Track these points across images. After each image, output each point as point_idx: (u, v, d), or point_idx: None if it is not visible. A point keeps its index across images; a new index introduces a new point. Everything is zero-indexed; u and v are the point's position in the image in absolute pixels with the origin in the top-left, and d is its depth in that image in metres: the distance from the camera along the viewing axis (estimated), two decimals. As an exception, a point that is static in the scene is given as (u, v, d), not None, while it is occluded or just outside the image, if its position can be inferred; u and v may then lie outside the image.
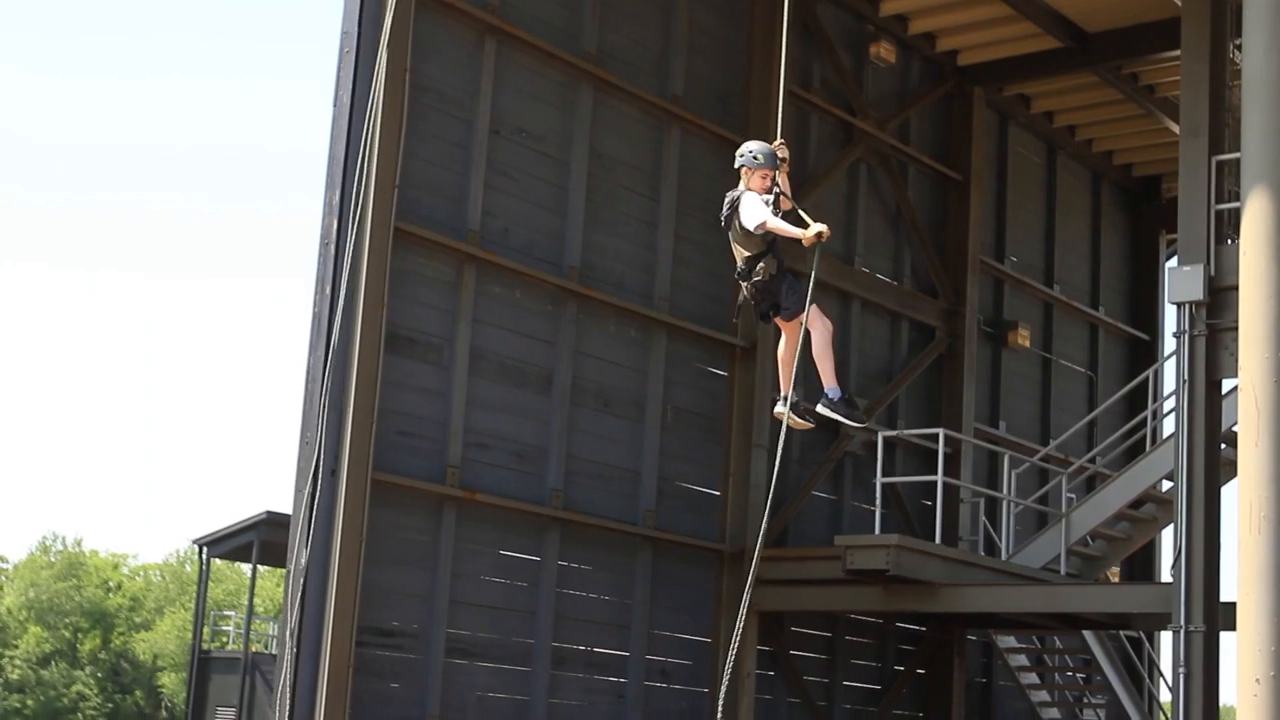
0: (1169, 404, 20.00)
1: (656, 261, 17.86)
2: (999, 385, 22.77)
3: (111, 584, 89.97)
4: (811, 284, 9.46)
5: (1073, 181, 24.68)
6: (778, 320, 9.83)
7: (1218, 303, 14.97)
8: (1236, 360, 10.47)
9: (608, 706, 17.03)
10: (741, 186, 9.71)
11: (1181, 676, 14.97)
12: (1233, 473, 10.21)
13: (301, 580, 14.18)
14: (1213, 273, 15.06)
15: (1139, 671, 22.97)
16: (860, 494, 20.01)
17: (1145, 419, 21.51)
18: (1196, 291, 15.05)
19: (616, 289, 17.37)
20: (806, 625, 19.29)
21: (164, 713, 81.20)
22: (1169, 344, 22.52)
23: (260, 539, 35.70)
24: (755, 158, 9.67)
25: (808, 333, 9.64)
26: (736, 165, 9.76)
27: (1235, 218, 13.38)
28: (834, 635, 19.87)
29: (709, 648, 17.92)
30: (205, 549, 38.79)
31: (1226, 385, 15.28)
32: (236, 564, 71.27)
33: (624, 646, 17.18)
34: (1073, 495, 20.71)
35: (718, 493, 18.16)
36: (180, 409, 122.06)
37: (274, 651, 27.67)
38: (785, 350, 9.87)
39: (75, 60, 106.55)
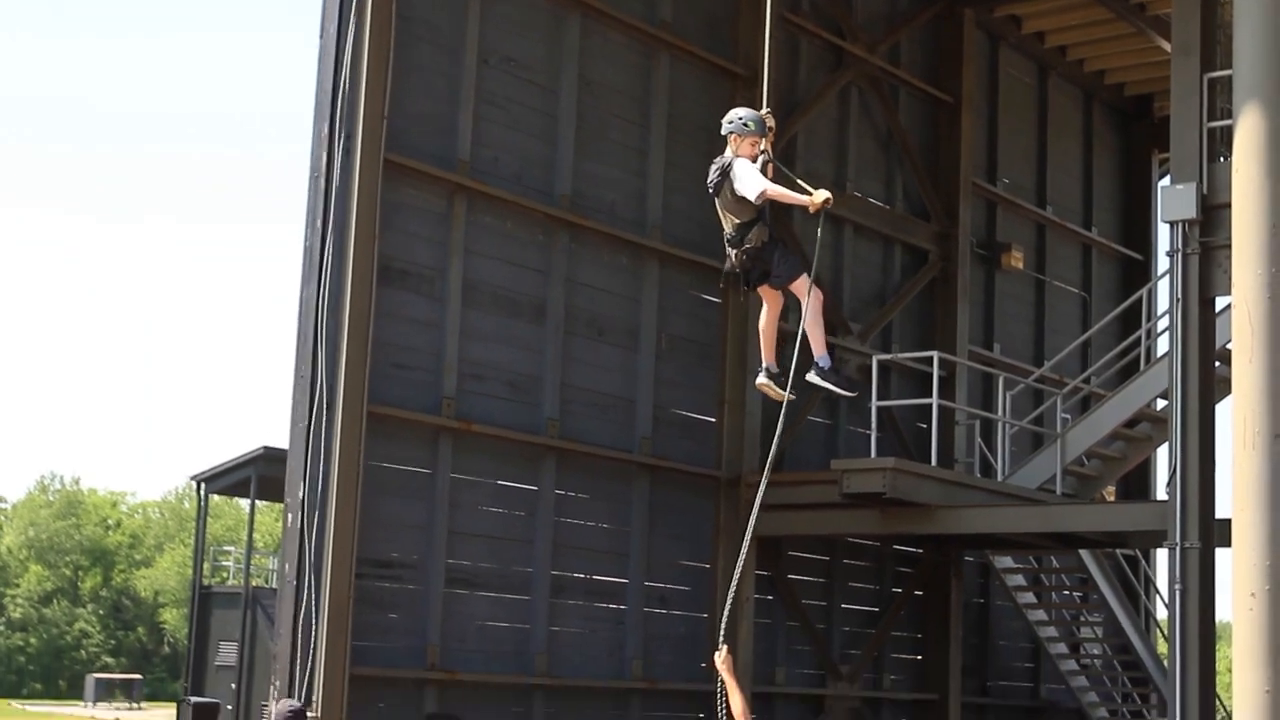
0: (1163, 323, 20.01)
1: (648, 189, 17.82)
2: (993, 307, 22.77)
3: (110, 522, 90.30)
4: (816, 251, 9.44)
5: (1064, 102, 24.57)
6: (761, 290, 9.65)
7: (1210, 220, 14.94)
8: (1230, 278, 10.46)
9: (607, 633, 17.13)
10: (729, 153, 9.50)
11: (1177, 593, 15.05)
12: (1227, 390, 10.24)
13: (300, 514, 14.22)
14: (1205, 190, 15.03)
15: (1135, 589, 23.10)
16: (855, 418, 20.03)
17: (1139, 338, 21.55)
18: (1189, 210, 15.02)
19: (608, 217, 17.33)
20: (804, 549, 19.38)
21: (166, 648, 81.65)
22: (1162, 263, 22.53)
23: (258, 474, 35.77)
24: (746, 125, 9.49)
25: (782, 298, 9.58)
26: (725, 132, 9.54)
27: (1227, 135, 13.34)
28: (831, 559, 19.95)
29: (707, 573, 18.01)
30: (203, 485, 38.88)
31: (1220, 303, 15.27)
32: (235, 499, 71.44)
33: (622, 574, 17.26)
34: (1067, 415, 20.75)
35: (713, 419, 18.19)
36: (177, 347, 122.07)
37: (274, 586, 27.75)
38: (766, 320, 9.75)
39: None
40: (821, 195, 9.07)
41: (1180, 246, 15.17)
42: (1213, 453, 15.25)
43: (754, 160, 9.40)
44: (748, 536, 9.49)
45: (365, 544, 14.56)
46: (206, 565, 43.43)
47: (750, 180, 9.28)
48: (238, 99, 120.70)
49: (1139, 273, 25.18)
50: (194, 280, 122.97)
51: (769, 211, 9.45)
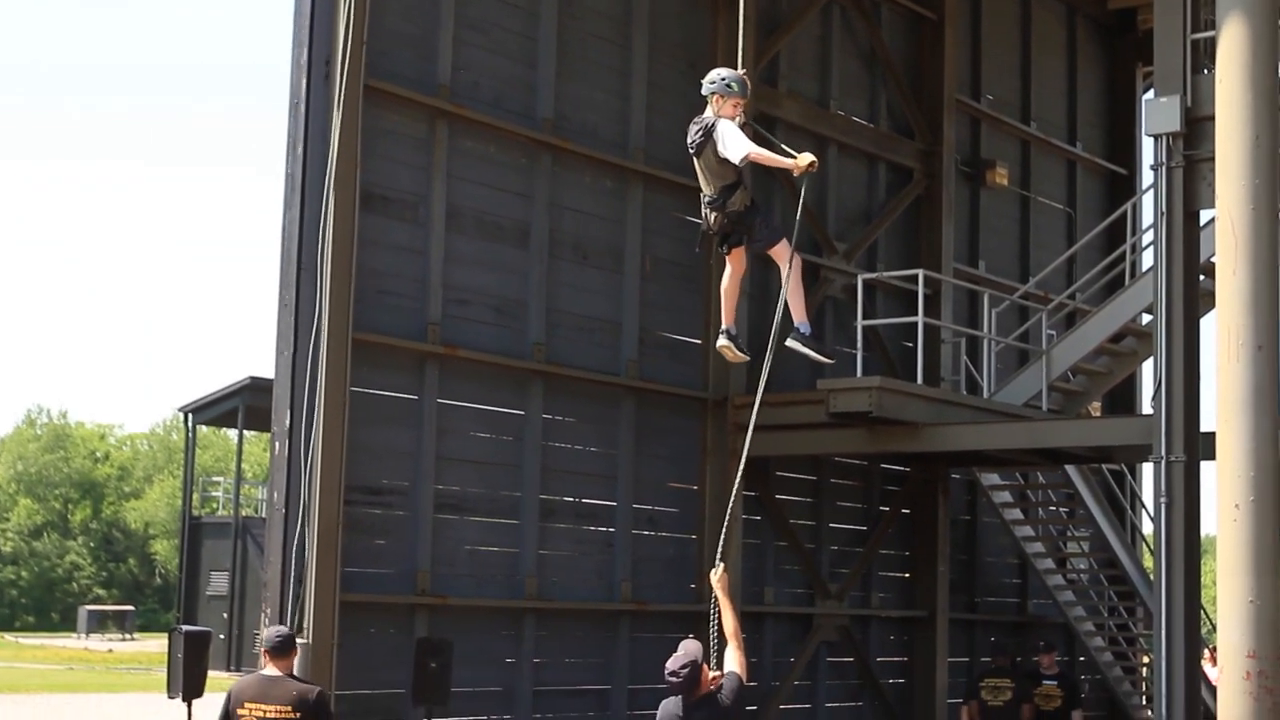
0: (1147, 237, 20.00)
1: (630, 111, 17.73)
2: (977, 224, 22.74)
3: (99, 454, 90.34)
4: (799, 215, 9.36)
5: (1048, 17, 24.43)
6: (727, 254, 9.51)
7: (1194, 133, 14.89)
8: (1214, 191, 10.44)
9: (597, 556, 17.20)
10: (710, 113, 9.31)
11: (1163, 506, 15.12)
12: (1211, 304, 10.25)
13: (287, 442, 14.23)
14: (1189, 103, 14.97)
15: (1121, 504, 23.22)
16: (841, 337, 20.04)
17: (1124, 253, 21.54)
18: (1173, 123, 14.96)
19: (591, 140, 17.25)
20: (791, 469, 19.44)
21: (158, 579, 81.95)
22: (1146, 177, 22.52)
23: (245, 404, 35.85)
24: (730, 86, 9.30)
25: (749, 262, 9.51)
26: (707, 91, 9.34)
27: (1211, 47, 13.26)
28: (818, 478, 20.02)
29: (694, 495, 18.07)
30: (191, 416, 38.97)
31: (1204, 216, 15.27)
32: (223, 430, 71.50)
33: (611, 496, 17.31)
34: (1053, 332, 20.77)
35: (699, 341, 18.19)
36: (163, 279, 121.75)
37: (264, 515, 27.85)
38: (730, 281, 9.62)
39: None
40: (806, 158, 8.98)
41: (1164, 160, 15.12)
42: (1197, 366, 15.29)
43: (735, 121, 9.23)
44: (742, 459, 9.58)
45: (353, 471, 14.58)
46: (196, 496, 43.55)
47: (735, 142, 9.10)
48: (212, 50, 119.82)
49: (1124, 188, 25.13)
50: (180, 211, 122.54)
51: (749, 175, 9.33)
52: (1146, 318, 19.17)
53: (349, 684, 14.46)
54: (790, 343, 9.71)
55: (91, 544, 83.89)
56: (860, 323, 18.71)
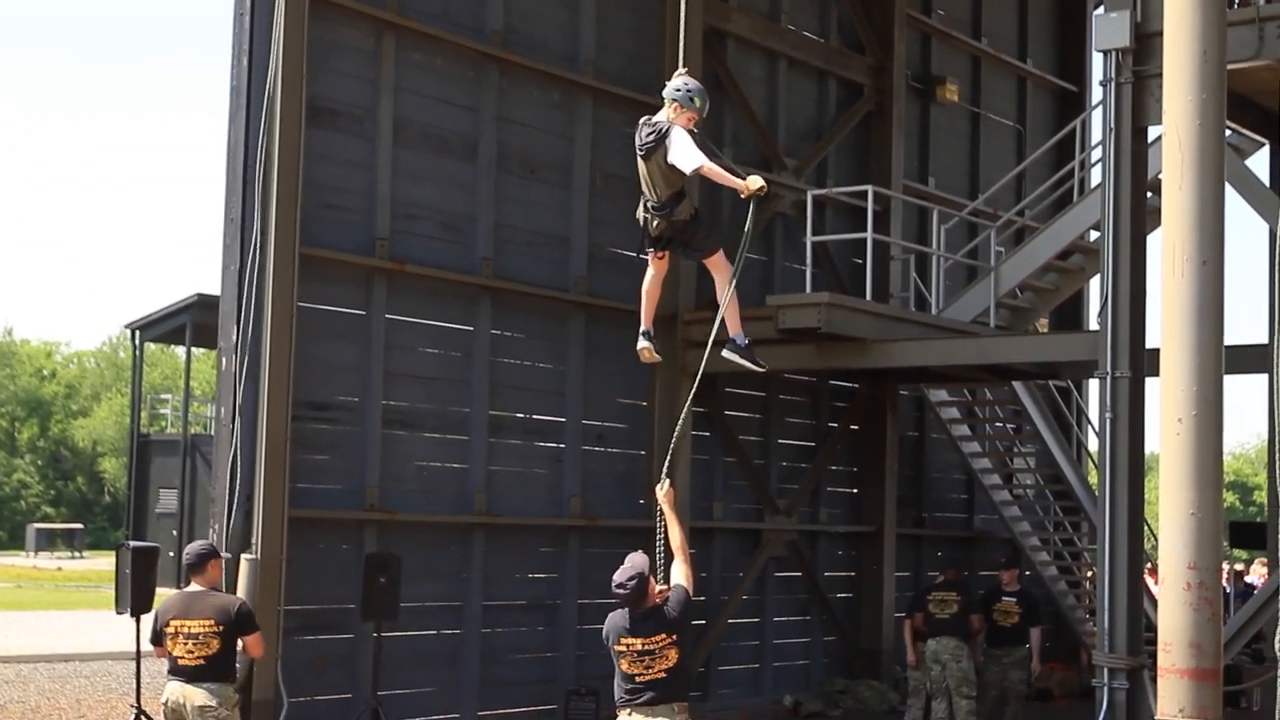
0: (1096, 154, 20.07)
1: (580, 24, 17.58)
2: (927, 141, 22.73)
3: (46, 372, 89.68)
4: (746, 238, 9.22)
5: (999, -69, 24.34)
6: (653, 257, 9.33)
7: (1144, 49, 14.89)
8: (1162, 107, 10.44)
9: (546, 471, 17.23)
10: (663, 116, 9.05)
11: (1108, 422, 15.24)
12: (1158, 221, 10.23)
13: (234, 357, 14.16)
14: (1139, 18, 14.96)
15: (1067, 420, 23.40)
16: (791, 254, 20.06)
17: (1072, 170, 21.58)
18: (1123, 38, 14.96)
19: (540, 53, 17.11)
20: (740, 385, 19.48)
21: (107, 497, 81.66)
22: (1096, 94, 22.54)
23: (193, 321, 35.61)
24: (692, 99, 9.04)
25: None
26: (668, 97, 9.06)
27: (1161, -39, 13.23)
28: (768, 395, 20.08)
29: (644, 411, 18.09)
30: (139, 333, 38.68)
31: (1153, 133, 15.29)
32: (171, 347, 71.11)
33: (560, 412, 17.32)
34: (1001, 248, 20.84)
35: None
36: (108, 194, 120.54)
37: (213, 433, 27.76)
38: (652, 284, 9.43)
39: None
40: (756, 182, 8.88)
41: (1113, 76, 15.13)
42: (1144, 283, 15.37)
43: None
44: (697, 376, 9.54)
45: (301, 387, 14.53)
46: (144, 414, 43.34)
47: (689, 153, 8.86)
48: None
49: (1073, 105, 25.14)
50: (125, 126, 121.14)
51: (695, 182, 9.23)
52: (1094, 234, 19.26)
53: (298, 599, 14.48)
54: (726, 352, 9.64)
55: (39, 462, 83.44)
56: (809, 239, 18.72)
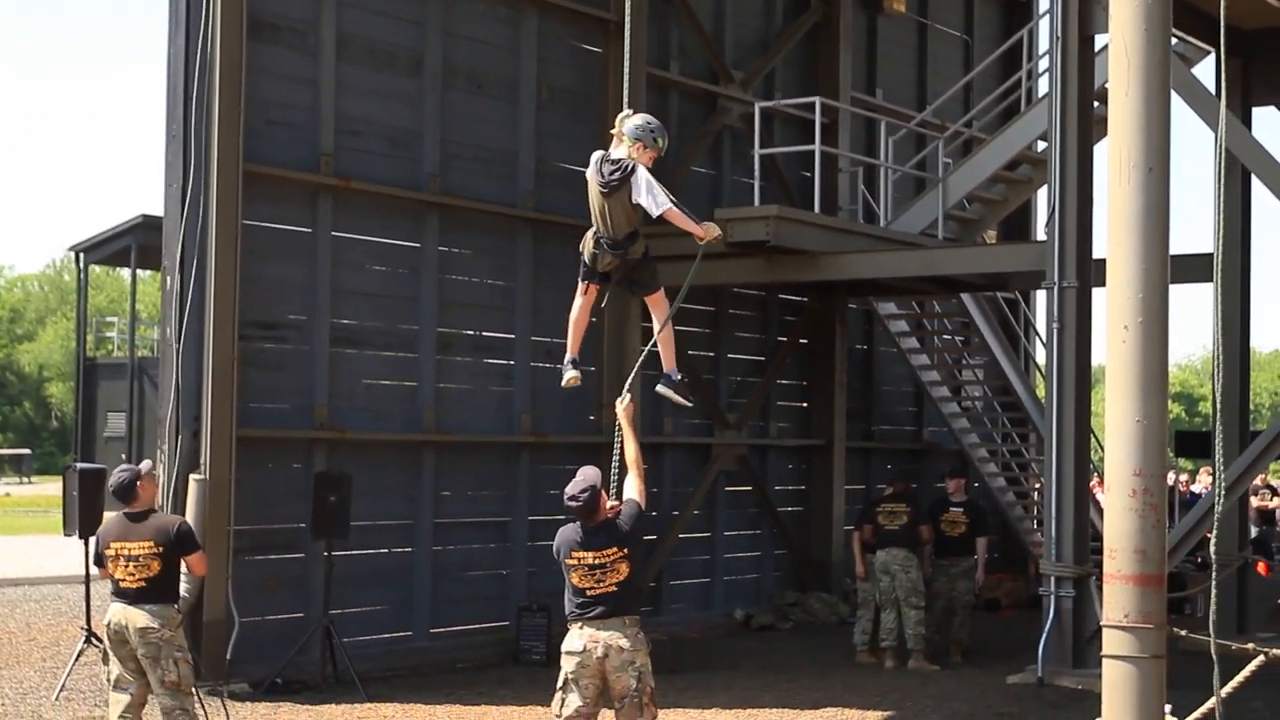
0: (1043, 64, 20.03)
1: (524, -64, 17.37)
2: (875, 52, 22.62)
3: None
4: (689, 280, 9.41)
5: None
6: (588, 287, 9.37)
7: (1091, -43, 14.85)
8: (1108, 15, 10.40)
9: (496, 389, 17.19)
10: (623, 153, 9.09)
11: (1055, 332, 15.31)
12: (1105, 131, 10.23)
13: (178, 276, 14.03)
14: (1085, -74, 14.91)
15: (1015, 332, 23.49)
16: (739, 168, 19.99)
17: (1020, 80, 21.56)
18: (1069, -54, 14.91)
19: (484, -34, 16.91)
20: (689, 300, 19.36)
21: (54, 422, 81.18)
22: (1043, 3, 22.43)
23: (138, 243, 35.28)
24: (656, 140, 9.16)
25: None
26: (631, 135, 9.09)
27: None
28: (717, 309, 20.07)
29: (593, 327, 17.90)
30: (83, 256, 38.27)
31: (1099, 41, 15.26)
32: (117, 271, 70.49)
33: (509, 329, 17.26)
34: (949, 160, 20.84)
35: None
36: (47, 115, 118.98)
37: (159, 354, 27.62)
38: (581, 314, 9.46)
39: None
40: (714, 230, 9.13)
41: (1060, -16, 15.07)
42: (1091, 193, 15.40)
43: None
44: (682, 292, 9.49)
45: (247, 305, 14.41)
46: (90, 337, 43.01)
47: (657, 195, 8.97)
48: None
49: (1021, 14, 25.03)
50: (63, 45, 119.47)
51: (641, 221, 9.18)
52: (1042, 145, 19.24)
53: (248, 519, 14.44)
54: (660, 389, 9.76)
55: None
56: (757, 152, 18.64)
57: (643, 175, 9.00)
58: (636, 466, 8.98)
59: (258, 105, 14.61)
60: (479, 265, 16.98)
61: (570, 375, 9.48)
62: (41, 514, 40.54)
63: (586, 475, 8.83)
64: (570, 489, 8.74)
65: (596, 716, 8.74)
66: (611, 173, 9.01)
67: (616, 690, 8.66)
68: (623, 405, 9.10)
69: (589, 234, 9.24)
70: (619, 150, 9.14)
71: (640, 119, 9.22)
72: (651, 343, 9.73)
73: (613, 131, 9.35)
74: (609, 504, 8.85)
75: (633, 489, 8.92)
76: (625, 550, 8.70)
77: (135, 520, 9.97)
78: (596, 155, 9.21)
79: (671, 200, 9.02)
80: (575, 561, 8.69)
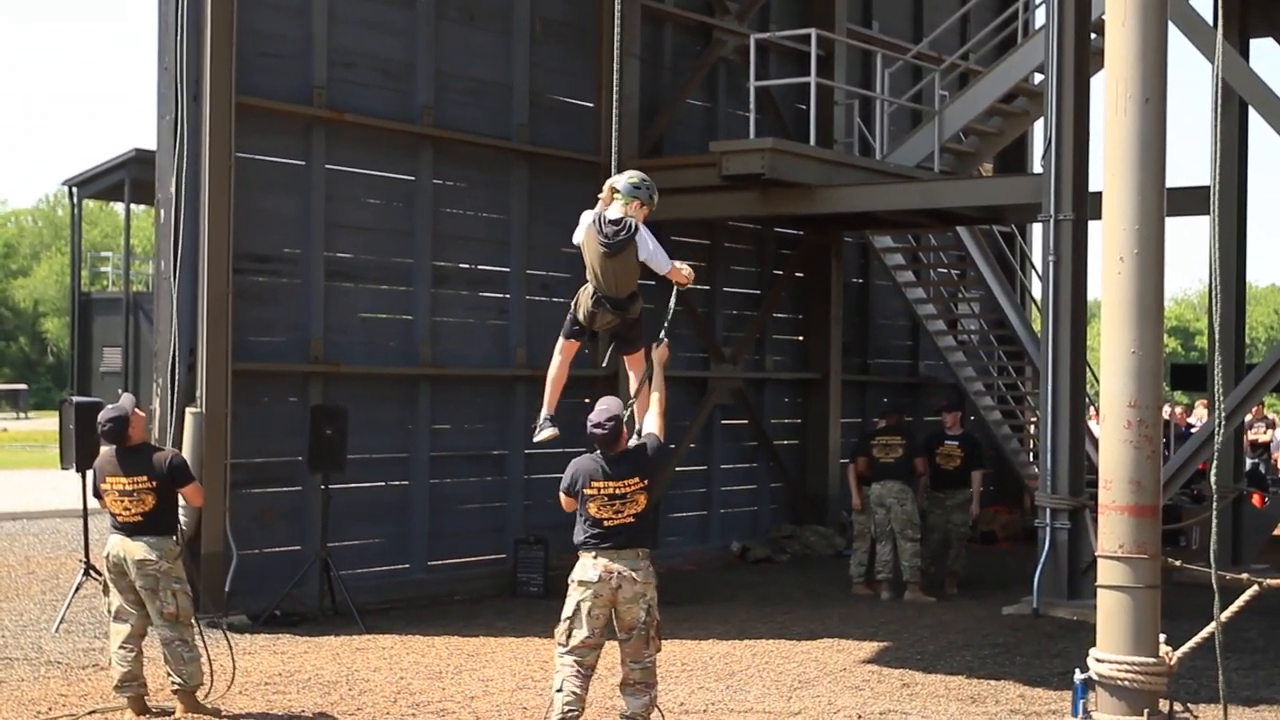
0: (1040, -5, 19.92)
1: None
2: (871, -16, 22.48)
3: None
4: (669, 316, 9.53)
5: None
6: (569, 344, 9.41)
7: (1088, -114, 14.74)
8: (1106, -57, 10.35)
9: (491, 322, 17.17)
10: (619, 211, 9.18)
11: (1051, 265, 15.29)
12: (1102, 63, 10.17)
13: (172, 209, 13.98)
14: None
15: (1011, 265, 23.48)
16: (734, 100, 19.89)
17: (1016, 12, 21.44)
18: (1067, -124, 14.79)
19: (477, -103, 16.77)
20: (685, 234, 19.42)
21: (50, 357, 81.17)
22: (1041, -65, 22.27)
23: (131, 177, 35.10)
24: (651, 195, 9.33)
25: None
26: (628, 193, 9.20)
27: None
28: (712, 243, 20.03)
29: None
30: (76, 190, 38.11)
31: (1097, -28, 15.18)
32: (111, 206, 70.28)
33: (504, 262, 17.23)
34: (945, 92, 20.75)
35: (590, 104, 17.98)
36: (42, 49, 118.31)
37: (154, 290, 27.52)
38: (560, 370, 9.43)
39: None
40: (690, 276, 9.44)
41: (1058, -86, 14.97)
42: (1087, 125, 15.34)
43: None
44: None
45: (242, 239, 14.37)
46: (85, 272, 42.89)
47: (662, 254, 9.25)
48: None
49: (1018, -53, 24.89)
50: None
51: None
52: (1038, 77, 19.17)
53: (245, 452, 14.45)
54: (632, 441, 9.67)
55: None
56: (753, 84, 18.54)
57: (646, 234, 9.17)
58: (661, 405, 9.09)
59: (250, 37, 14.52)
60: (473, 198, 16.93)
61: (548, 432, 9.39)
62: (38, 449, 40.62)
63: (610, 405, 8.89)
64: (594, 417, 8.78)
65: (601, 648, 8.78)
66: (615, 232, 9.10)
67: (625, 622, 8.71)
68: (658, 349, 9.28)
69: (585, 292, 9.24)
70: (614, 209, 9.21)
71: (635, 176, 9.33)
72: (674, 297, 9.67)
73: (600, 196, 9.38)
74: (627, 437, 8.94)
75: (653, 424, 9.02)
76: (645, 481, 8.77)
77: (129, 455, 9.97)
78: (589, 215, 9.24)
79: (671, 260, 9.31)
80: (595, 491, 8.73)
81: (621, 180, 9.30)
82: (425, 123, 16.17)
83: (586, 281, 9.27)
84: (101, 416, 10.06)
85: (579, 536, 8.81)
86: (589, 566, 8.72)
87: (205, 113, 13.89)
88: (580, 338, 9.42)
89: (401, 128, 15.99)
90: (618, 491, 8.72)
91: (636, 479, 8.75)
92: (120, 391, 35.91)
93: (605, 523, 8.72)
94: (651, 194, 9.32)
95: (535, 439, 9.60)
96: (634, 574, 8.68)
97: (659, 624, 8.84)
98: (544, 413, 9.50)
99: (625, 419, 8.95)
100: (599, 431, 8.76)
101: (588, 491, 8.75)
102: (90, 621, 13.49)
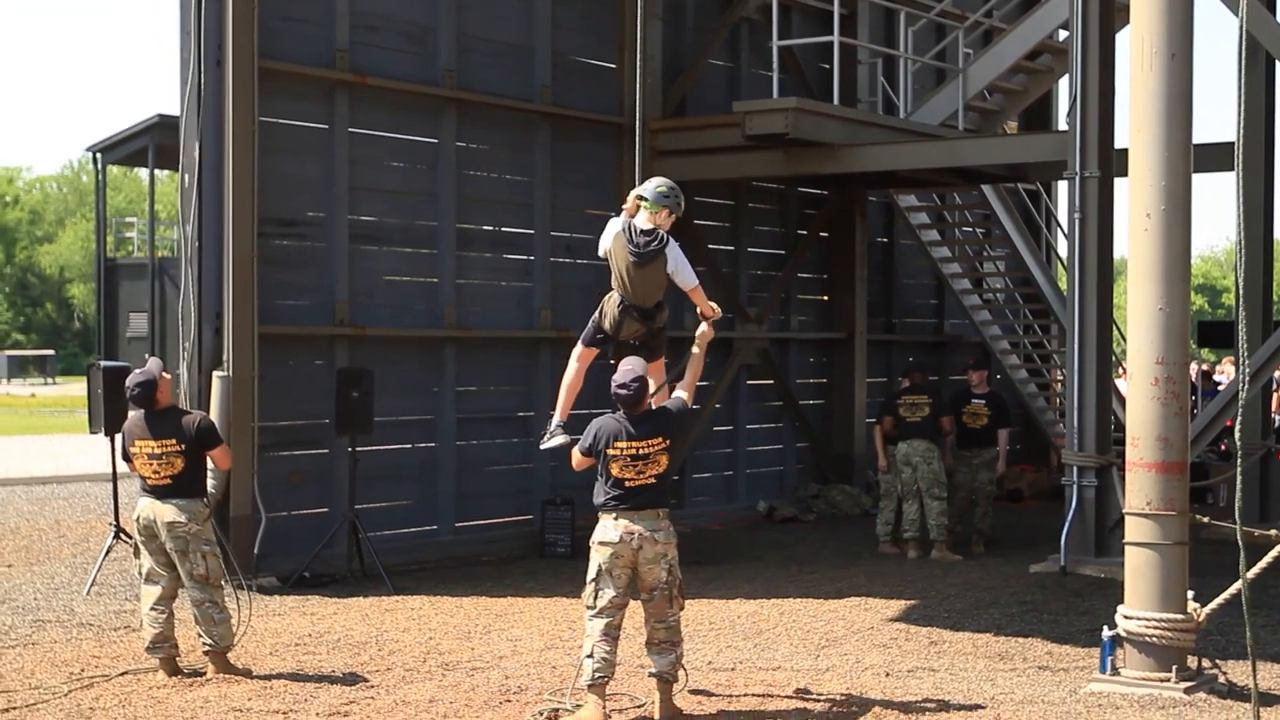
0: (1065, -49, 19.77)
1: None
2: (894, -59, 22.34)
3: (8, 198, 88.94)
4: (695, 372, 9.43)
5: None
6: (588, 351, 9.43)
7: None
8: (1131, -103, 10.29)
9: (515, 284, 17.19)
10: (645, 220, 9.22)
11: (1077, 222, 15.24)
12: (1126, 19, 10.13)
13: (195, 173, 14.00)
14: None
15: (1036, 224, 23.39)
16: (757, 60, 19.84)
17: (1041, -32, 21.28)
18: None
19: None
20: (709, 194, 19.40)
21: (77, 323, 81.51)
22: (1065, -110, 22.09)
23: (155, 143, 35.16)
24: (679, 202, 9.38)
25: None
26: (658, 202, 9.25)
27: None
28: (736, 203, 20.01)
29: (613, 221, 17.97)
30: (100, 156, 38.17)
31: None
32: (135, 171, 70.44)
33: (528, 225, 17.23)
34: (969, 50, 20.65)
35: (614, 65, 17.94)
36: (66, 15, 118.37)
37: (179, 255, 27.59)
38: (576, 377, 9.41)
39: None
40: (715, 313, 9.52)
41: None
42: (1112, 82, 15.27)
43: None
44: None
45: (266, 203, 14.39)
46: (110, 238, 43.05)
47: (688, 269, 9.32)
48: None
49: (1042, -98, 24.70)
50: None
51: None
52: (1063, 34, 19.08)
53: (272, 415, 14.51)
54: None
55: (6, 289, 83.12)
56: (775, 44, 18.44)
57: (676, 248, 9.24)
58: (693, 379, 9.15)
59: (271, 1, 14.51)
60: (497, 160, 16.92)
61: (559, 440, 9.40)
62: (67, 414, 40.85)
63: (634, 365, 8.91)
64: (619, 378, 8.80)
65: (626, 607, 8.84)
66: (646, 243, 9.13)
67: (647, 582, 8.75)
68: (702, 331, 9.44)
69: (611, 301, 9.27)
70: (642, 219, 9.25)
71: (663, 184, 9.35)
72: (698, 340, 9.59)
73: (625, 206, 9.40)
74: (650, 399, 8.98)
75: (682, 392, 9.07)
76: (668, 442, 8.78)
77: (157, 418, 10.02)
78: (616, 224, 9.24)
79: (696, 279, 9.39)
80: (617, 452, 8.75)
81: (649, 189, 9.34)
82: (448, 85, 16.16)
83: (611, 290, 9.26)
84: (130, 381, 10.11)
85: (599, 498, 8.85)
86: (609, 528, 8.75)
87: (228, 77, 13.89)
88: (603, 345, 9.41)
89: (424, 90, 15.98)
90: (641, 452, 8.74)
91: (660, 439, 8.78)
92: (147, 356, 36.06)
93: (627, 483, 8.74)
94: (679, 201, 9.38)
95: (543, 446, 9.61)
96: (654, 535, 8.71)
97: (681, 583, 8.87)
98: (555, 419, 9.50)
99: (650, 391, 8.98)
100: (623, 392, 8.78)
101: (610, 452, 8.77)
102: (121, 584, 13.59)
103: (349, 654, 10.80)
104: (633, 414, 8.82)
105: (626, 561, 8.70)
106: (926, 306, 23.74)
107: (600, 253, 9.39)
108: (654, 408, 8.94)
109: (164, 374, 10.18)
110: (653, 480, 8.75)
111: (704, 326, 9.41)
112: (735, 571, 15.09)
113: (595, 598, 8.73)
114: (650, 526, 8.72)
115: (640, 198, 9.32)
